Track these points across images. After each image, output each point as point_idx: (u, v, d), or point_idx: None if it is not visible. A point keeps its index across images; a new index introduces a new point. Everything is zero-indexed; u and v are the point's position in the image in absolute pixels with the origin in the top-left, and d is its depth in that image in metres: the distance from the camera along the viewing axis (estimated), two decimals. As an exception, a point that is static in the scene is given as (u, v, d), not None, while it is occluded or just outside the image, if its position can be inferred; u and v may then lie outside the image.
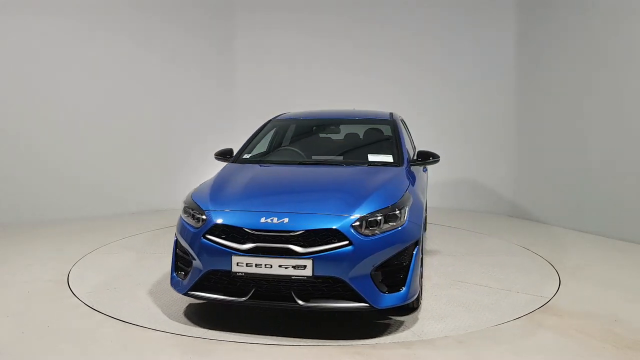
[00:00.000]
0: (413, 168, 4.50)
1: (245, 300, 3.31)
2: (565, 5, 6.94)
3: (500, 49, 7.98)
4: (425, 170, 5.30)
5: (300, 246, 3.23)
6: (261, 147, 5.01)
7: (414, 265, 3.44)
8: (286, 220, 3.30)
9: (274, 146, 5.12)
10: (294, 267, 3.20)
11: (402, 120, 5.73)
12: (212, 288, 3.43)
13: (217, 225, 3.41)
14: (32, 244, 5.84)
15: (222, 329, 3.47)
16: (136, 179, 7.96)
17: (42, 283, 4.46)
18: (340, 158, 4.60)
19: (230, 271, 3.30)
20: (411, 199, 3.69)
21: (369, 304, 3.23)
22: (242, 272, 3.27)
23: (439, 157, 4.48)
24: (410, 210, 3.58)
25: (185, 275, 3.55)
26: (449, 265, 5.03)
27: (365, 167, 4.24)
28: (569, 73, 6.88)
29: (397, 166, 4.25)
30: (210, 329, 3.47)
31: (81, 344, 3.28)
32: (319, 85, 8.66)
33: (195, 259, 3.44)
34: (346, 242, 3.23)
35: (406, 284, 3.38)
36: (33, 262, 5.11)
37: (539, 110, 7.46)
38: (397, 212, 3.46)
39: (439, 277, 4.65)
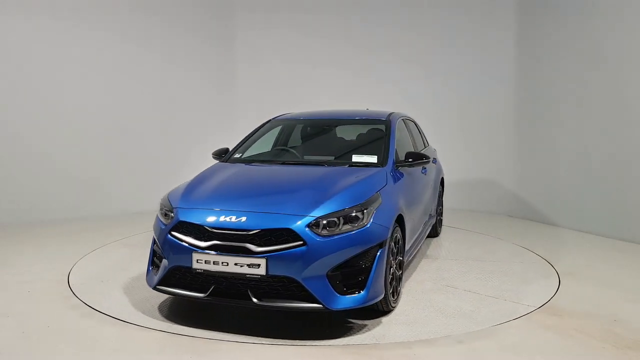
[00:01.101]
0: (406, 169, 4.45)
1: (205, 297, 3.37)
2: (565, 5, 6.94)
3: (500, 48, 7.97)
4: (424, 171, 5.19)
5: (256, 245, 3.27)
6: (258, 146, 5.03)
7: (376, 267, 3.40)
8: (244, 219, 3.36)
9: (272, 146, 5.14)
10: (248, 265, 3.24)
11: (411, 121, 5.70)
12: (177, 284, 3.52)
13: (181, 222, 3.51)
14: (32, 244, 5.83)
15: (222, 328, 3.47)
16: (136, 179, 7.96)
17: (42, 283, 4.46)
18: (329, 158, 4.54)
19: (191, 268, 3.37)
20: (380, 201, 3.63)
21: (323, 305, 3.22)
22: (201, 269, 3.34)
23: (428, 158, 4.41)
24: (377, 212, 3.53)
25: (157, 270, 3.63)
26: (446, 270, 4.91)
27: (344, 168, 4.19)
28: (570, 73, 6.88)
29: (379, 167, 4.19)
30: (210, 328, 3.47)
31: (81, 344, 3.28)
32: (320, 86, 8.66)
33: (163, 255, 3.54)
34: (300, 243, 3.24)
35: (366, 287, 3.35)
36: (33, 262, 5.11)
37: (539, 110, 7.45)
38: (359, 213, 3.42)
39: (432, 281, 4.55)
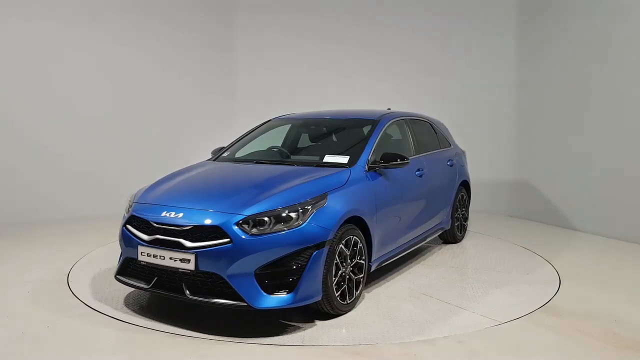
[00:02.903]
0: (384, 171, 4.28)
1: (148, 288, 3.56)
2: (566, 5, 6.94)
3: (500, 48, 7.97)
4: (419, 173, 4.86)
5: (189, 240, 3.36)
6: (258, 146, 5.05)
7: (309, 269, 3.35)
8: (181, 215, 3.48)
9: (268, 146, 5.14)
10: (181, 260, 3.36)
11: (423, 121, 5.64)
12: (130, 274, 3.73)
13: (132, 216, 3.72)
14: (32, 244, 5.84)
15: (222, 329, 3.47)
16: (136, 179, 7.94)
17: (42, 283, 4.46)
18: (314, 158, 4.49)
19: (137, 259, 3.56)
20: (324, 202, 3.56)
21: (247, 303, 3.25)
22: (144, 261, 3.53)
23: (406, 159, 4.22)
24: (317, 212, 3.48)
25: None
26: (437, 277, 4.67)
27: (307, 168, 4.15)
28: (570, 73, 6.88)
29: (346, 167, 4.07)
30: (210, 328, 3.47)
31: (81, 344, 3.28)
32: (320, 87, 8.63)
33: (121, 247, 3.76)
34: (226, 240, 3.29)
35: (296, 287, 3.33)
36: (33, 262, 5.11)
37: (539, 110, 7.46)
38: (293, 213, 3.40)
39: (411, 289, 4.32)
